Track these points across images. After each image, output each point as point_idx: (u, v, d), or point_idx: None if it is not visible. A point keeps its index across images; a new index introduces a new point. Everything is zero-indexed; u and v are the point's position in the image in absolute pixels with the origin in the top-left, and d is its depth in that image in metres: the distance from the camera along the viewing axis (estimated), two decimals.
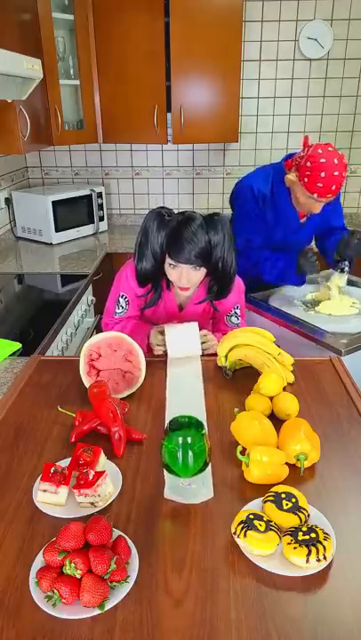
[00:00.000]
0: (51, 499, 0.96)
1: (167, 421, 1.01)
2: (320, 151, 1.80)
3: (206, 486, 1.00)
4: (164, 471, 1.00)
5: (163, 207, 1.50)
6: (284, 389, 1.30)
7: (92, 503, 0.95)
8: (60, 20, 2.67)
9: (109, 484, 0.98)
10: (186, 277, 1.47)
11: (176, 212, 1.50)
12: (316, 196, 1.84)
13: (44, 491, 0.96)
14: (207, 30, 2.75)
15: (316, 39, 3.08)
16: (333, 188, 1.82)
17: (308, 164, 1.81)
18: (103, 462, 1.04)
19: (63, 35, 2.79)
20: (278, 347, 1.41)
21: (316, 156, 1.80)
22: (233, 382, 1.40)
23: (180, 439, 0.95)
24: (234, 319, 1.73)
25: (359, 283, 2.24)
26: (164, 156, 3.41)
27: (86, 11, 2.73)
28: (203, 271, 1.49)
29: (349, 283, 2.24)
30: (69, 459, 1.03)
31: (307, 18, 3.05)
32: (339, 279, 2.03)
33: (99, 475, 0.96)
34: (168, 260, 1.47)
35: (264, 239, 2.10)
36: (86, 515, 0.93)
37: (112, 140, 3.07)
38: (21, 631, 0.74)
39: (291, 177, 1.90)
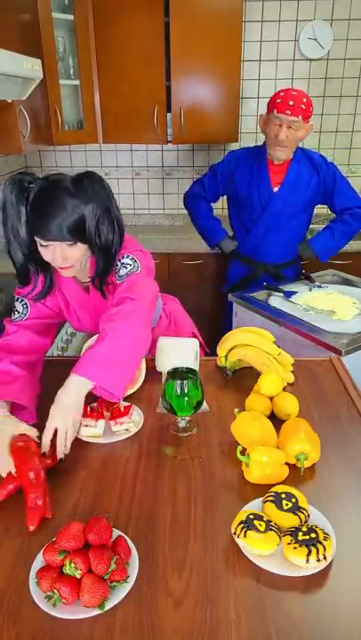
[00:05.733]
0: (91, 432, 1.16)
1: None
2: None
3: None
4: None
5: (25, 172, 1.20)
6: (284, 389, 1.30)
7: (127, 429, 1.17)
8: (60, 20, 2.67)
9: (136, 413, 1.23)
10: (60, 256, 1.20)
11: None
12: (275, 112, 2.06)
13: (86, 426, 1.15)
14: (207, 30, 2.75)
15: (316, 39, 3.08)
16: (291, 103, 2.03)
17: (272, 93, 2.15)
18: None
19: (63, 35, 2.78)
20: (278, 347, 1.41)
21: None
22: (233, 382, 1.40)
23: (178, 386, 1.12)
24: (122, 271, 1.29)
25: (359, 283, 2.24)
26: (163, 156, 3.41)
27: (86, 11, 2.73)
28: (81, 247, 1.22)
29: (349, 283, 2.24)
30: (95, 403, 1.23)
31: (307, 18, 3.04)
32: (318, 294, 2.12)
33: (128, 407, 1.21)
34: (36, 238, 1.19)
35: (213, 194, 2.47)
36: (123, 439, 1.14)
37: (112, 140, 3.07)
38: (21, 631, 0.74)
39: (262, 117, 2.16)
